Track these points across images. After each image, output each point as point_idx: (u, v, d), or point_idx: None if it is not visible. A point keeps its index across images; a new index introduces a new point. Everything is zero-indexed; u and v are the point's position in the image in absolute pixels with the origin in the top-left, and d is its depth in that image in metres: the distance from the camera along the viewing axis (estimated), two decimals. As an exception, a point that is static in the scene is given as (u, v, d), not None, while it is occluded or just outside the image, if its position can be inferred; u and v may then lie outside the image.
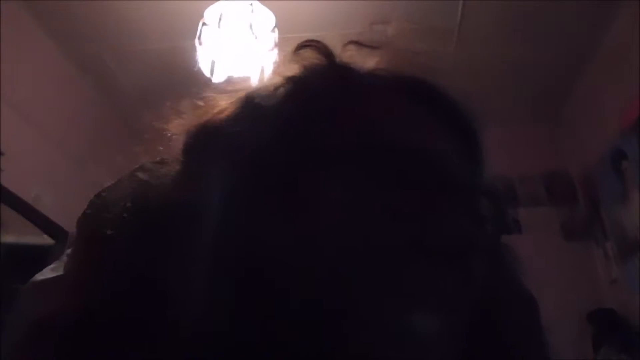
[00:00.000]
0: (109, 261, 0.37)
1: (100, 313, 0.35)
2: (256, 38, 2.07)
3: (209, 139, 0.39)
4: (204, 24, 2.14)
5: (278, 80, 0.40)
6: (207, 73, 2.08)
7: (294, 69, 0.41)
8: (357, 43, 0.43)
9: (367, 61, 0.42)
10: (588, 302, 2.76)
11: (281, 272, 0.33)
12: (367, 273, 0.33)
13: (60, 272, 0.43)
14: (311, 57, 0.42)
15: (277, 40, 2.13)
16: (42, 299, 0.41)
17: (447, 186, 0.36)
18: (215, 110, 0.41)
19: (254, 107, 0.39)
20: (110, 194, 0.42)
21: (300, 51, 0.42)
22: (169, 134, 0.42)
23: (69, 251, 0.44)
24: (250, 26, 2.07)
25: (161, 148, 0.42)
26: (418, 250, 0.33)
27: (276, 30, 2.15)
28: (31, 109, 2.52)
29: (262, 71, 2.03)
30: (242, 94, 0.41)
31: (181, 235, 0.35)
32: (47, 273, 0.43)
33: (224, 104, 0.41)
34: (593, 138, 2.88)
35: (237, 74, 2.05)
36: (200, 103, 0.42)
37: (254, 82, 0.45)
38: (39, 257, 2.28)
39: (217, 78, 2.04)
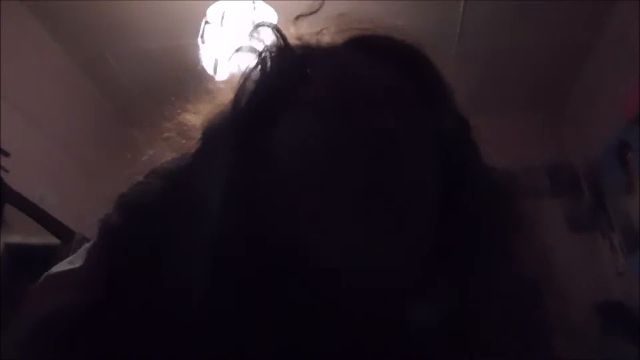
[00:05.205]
0: (117, 255, 0.39)
1: (107, 305, 0.35)
2: (258, 35, 2.07)
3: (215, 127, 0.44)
4: (206, 22, 2.14)
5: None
6: (210, 71, 2.08)
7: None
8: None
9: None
10: (595, 294, 2.76)
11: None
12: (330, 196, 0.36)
13: (77, 264, 0.44)
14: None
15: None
16: (56, 290, 0.42)
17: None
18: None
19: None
20: (129, 194, 0.44)
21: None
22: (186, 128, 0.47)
23: (88, 245, 0.45)
24: (253, 24, 2.07)
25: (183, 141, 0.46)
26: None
27: (278, 27, 2.15)
28: (35, 109, 2.53)
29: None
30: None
31: (182, 228, 0.37)
32: (64, 266, 0.45)
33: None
34: (597, 129, 2.87)
35: (240, 71, 2.04)
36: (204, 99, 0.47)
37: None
38: (46, 257, 2.29)
39: (221, 76, 2.05)
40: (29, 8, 2.52)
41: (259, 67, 0.44)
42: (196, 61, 2.09)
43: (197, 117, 0.46)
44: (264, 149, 0.39)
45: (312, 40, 0.47)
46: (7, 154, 2.21)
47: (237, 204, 0.37)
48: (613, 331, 2.56)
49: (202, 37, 2.12)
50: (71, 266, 0.44)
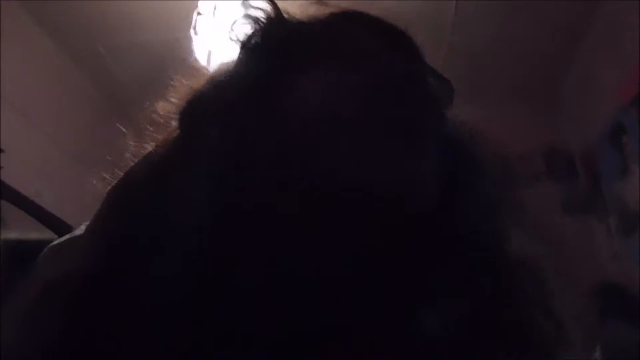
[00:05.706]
0: (115, 225, 0.39)
1: (105, 275, 0.35)
2: (251, 26, 2.06)
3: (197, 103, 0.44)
4: (198, 13, 2.13)
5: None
6: (203, 63, 2.07)
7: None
8: None
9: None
10: (591, 277, 2.77)
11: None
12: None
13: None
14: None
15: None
16: (57, 260, 0.43)
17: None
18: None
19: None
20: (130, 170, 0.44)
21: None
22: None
23: (87, 222, 0.46)
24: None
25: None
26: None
27: (271, 17, 2.14)
28: (28, 104, 2.52)
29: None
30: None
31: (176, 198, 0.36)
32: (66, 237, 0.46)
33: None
34: (592, 113, 2.88)
35: (237, 40, 2.04)
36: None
37: None
38: (43, 252, 2.29)
39: (214, 67, 2.04)
40: (21, 2, 2.50)
41: (259, 34, 0.46)
42: (190, 54, 2.08)
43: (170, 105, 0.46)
44: (277, 109, 0.39)
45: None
46: (1, 150, 2.20)
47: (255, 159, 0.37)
48: (608, 312, 2.58)
49: (194, 28, 2.11)
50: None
